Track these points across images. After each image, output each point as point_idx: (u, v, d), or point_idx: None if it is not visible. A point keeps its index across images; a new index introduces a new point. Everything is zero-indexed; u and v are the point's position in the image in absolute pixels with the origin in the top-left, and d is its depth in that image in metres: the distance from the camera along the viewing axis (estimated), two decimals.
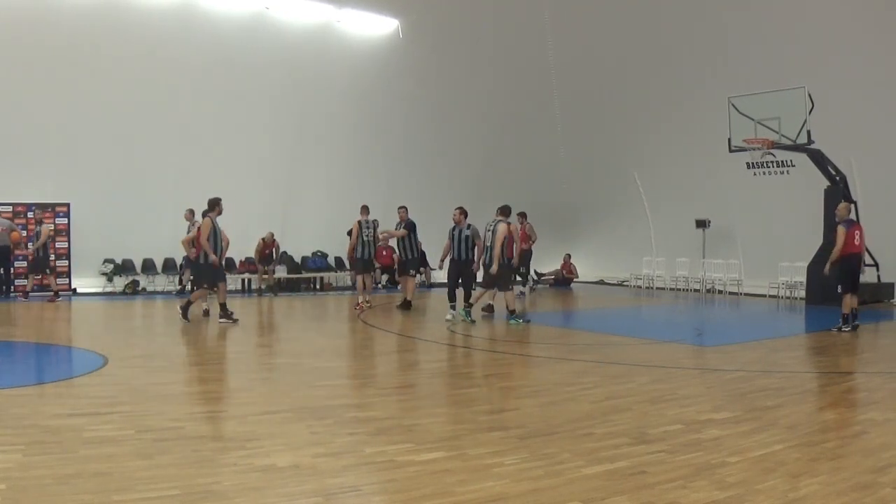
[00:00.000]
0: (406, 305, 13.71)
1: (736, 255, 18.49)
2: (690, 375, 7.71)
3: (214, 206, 11.76)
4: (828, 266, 11.20)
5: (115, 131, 16.35)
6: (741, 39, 16.38)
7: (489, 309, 12.93)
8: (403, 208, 14.23)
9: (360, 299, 14.12)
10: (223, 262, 12.43)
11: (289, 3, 17.88)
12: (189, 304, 11.83)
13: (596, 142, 20.58)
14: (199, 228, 11.86)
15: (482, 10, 18.64)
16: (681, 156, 18.77)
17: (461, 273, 12.34)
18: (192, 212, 15.12)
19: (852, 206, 11.24)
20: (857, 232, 10.97)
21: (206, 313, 12.46)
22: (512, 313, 11.79)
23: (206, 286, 11.84)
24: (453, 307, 12.24)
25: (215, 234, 11.65)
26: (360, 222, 14.14)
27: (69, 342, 10.08)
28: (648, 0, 17.43)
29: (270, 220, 18.11)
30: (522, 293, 16.66)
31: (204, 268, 11.65)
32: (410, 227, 14.01)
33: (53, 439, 4.93)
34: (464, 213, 12.46)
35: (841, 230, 10.94)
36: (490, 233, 11.83)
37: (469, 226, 12.32)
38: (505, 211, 12.08)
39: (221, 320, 11.52)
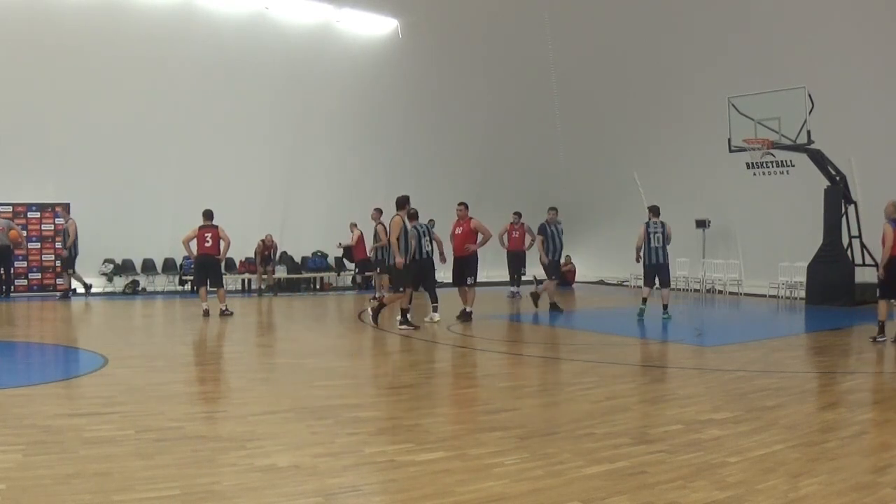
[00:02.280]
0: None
1: (736, 255, 18.47)
2: (690, 375, 7.70)
3: (404, 204, 10.99)
4: (881, 270, 9.98)
5: (114, 131, 16.36)
6: (741, 40, 16.35)
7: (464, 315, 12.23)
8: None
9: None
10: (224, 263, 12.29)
11: (288, 3, 17.88)
12: (382, 307, 11.34)
13: (596, 142, 20.55)
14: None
15: (482, 10, 18.63)
16: (681, 156, 18.75)
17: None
18: (66, 208, 15.50)
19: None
20: None
21: (206, 313, 12.46)
22: (665, 308, 12.67)
23: (401, 289, 10.99)
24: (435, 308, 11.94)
25: (406, 233, 10.96)
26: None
27: (69, 342, 10.08)
28: (648, 0, 17.43)
29: (270, 219, 18.13)
30: (516, 293, 16.63)
31: (401, 269, 10.89)
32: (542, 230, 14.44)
33: (53, 439, 4.92)
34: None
35: (887, 229, 9.65)
36: (660, 234, 12.44)
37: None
38: (657, 210, 12.75)
39: (402, 327, 10.83)
